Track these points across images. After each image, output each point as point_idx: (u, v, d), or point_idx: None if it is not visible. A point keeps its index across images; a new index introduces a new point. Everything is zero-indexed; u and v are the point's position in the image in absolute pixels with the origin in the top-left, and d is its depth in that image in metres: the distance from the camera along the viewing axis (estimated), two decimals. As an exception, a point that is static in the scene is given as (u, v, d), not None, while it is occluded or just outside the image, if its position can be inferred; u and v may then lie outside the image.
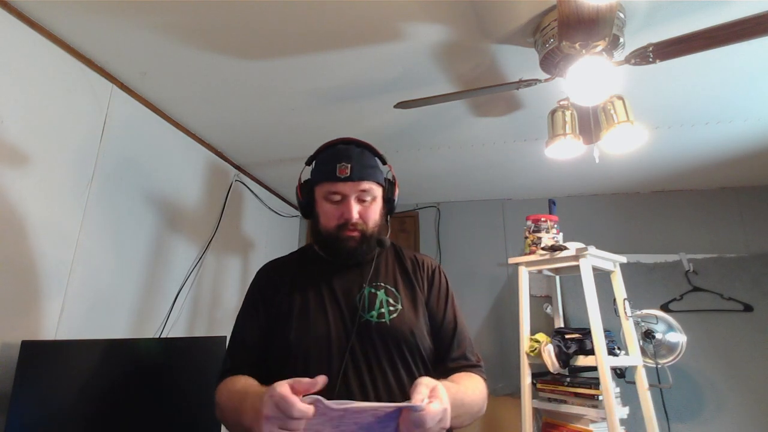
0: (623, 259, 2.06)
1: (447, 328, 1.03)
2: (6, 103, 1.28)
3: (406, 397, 0.75)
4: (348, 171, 0.98)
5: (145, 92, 1.76)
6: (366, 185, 1.00)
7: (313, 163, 1.08)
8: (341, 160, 0.99)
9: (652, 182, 2.68)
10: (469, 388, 0.91)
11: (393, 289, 1.01)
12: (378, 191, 1.04)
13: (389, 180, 1.09)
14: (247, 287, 1.09)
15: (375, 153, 1.06)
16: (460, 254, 3.02)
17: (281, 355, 0.96)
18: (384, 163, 1.08)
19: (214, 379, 0.99)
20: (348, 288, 1.01)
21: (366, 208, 1.01)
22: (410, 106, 1.52)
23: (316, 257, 1.08)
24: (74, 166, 1.50)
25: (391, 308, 0.98)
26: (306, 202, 1.06)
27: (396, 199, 1.09)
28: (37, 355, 1.18)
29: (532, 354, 2.00)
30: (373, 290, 1.00)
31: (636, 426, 1.96)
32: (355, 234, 0.99)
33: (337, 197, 1.00)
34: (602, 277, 2.05)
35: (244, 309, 1.05)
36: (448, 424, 0.73)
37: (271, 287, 1.04)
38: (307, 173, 1.09)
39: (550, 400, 2.05)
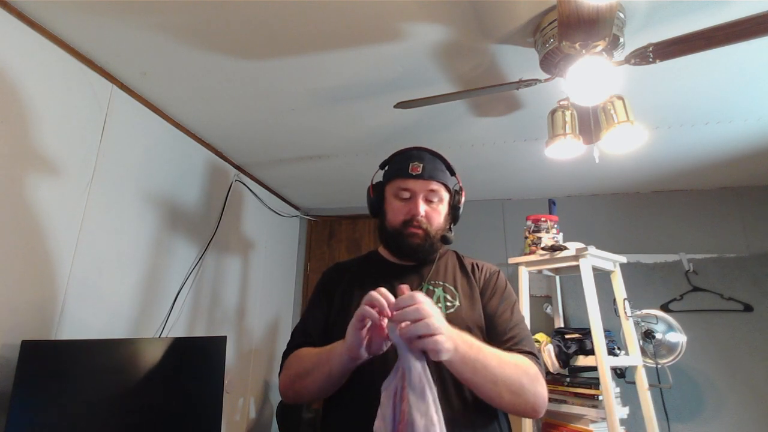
0: (623, 259, 2.06)
1: (501, 319, 1.00)
2: (6, 103, 1.28)
3: (461, 398, 0.84)
4: (420, 169, 1.04)
5: (145, 92, 1.76)
6: (435, 185, 1.05)
7: (386, 167, 1.14)
8: (414, 160, 1.06)
9: (652, 182, 2.68)
10: (504, 356, 0.87)
11: (451, 287, 1.03)
12: (445, 195, 1.08)
13: (456, 190, 1.13)
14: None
15: (445, 162, 1.11)
16: (460, 254, 3.02)
17: None
18: (452, 174, 1.12)
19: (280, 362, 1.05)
20: (405, 285, 1.01)
21: (432, 209, 1.05)
22: (410, 106, 1.52)
23: (378, 259, 1.13)
24: (74, 166, 1.50)
25: (449, 304, 0.99)
26: (376, 200, 1.12)
27: (461, 207, 1.12)
28: (37, 355, 1.19)
29: (532, 354, 1.99)
30: (431, 287, 1.03)
31: (636, 426, 1.96)
32: (419, 231, 1.03)
33: (407, 194, 1.05)
34: (602, 277, 2.04)
35: (308, 305, 1.12)
36: (442, 347, 0.74)
37: (332, 285, 1.09)
38: (378, 176, 1.17)
39: (550, 400, 2.02)
